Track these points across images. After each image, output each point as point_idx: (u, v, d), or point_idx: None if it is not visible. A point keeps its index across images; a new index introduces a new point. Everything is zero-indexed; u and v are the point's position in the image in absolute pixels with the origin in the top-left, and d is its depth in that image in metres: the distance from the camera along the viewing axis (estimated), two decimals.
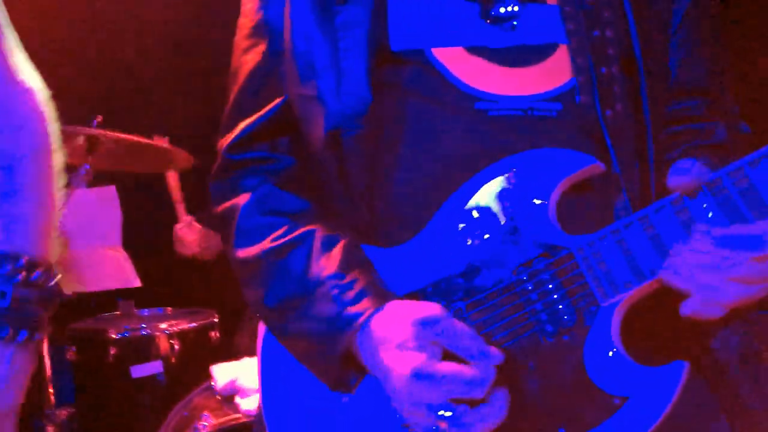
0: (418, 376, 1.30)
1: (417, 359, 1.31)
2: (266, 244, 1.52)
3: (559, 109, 1.46)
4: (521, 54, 1.48)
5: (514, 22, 1.50)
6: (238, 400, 3.05)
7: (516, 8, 1.50)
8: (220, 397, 3.11)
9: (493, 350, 1.32)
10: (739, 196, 1.24)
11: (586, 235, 1.36)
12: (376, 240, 1.51)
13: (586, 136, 1.45)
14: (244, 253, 1.55)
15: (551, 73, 1.47)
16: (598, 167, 1.40)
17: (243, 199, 1.58)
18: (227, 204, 1.60)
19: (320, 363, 1.46)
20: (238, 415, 3.01)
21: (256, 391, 2.99)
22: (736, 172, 1.24)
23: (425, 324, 1.33)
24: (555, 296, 1.36)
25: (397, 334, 1.34)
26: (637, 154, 1.49)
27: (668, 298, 1.35)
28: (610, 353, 1.32)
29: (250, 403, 3.01)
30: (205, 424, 3.02)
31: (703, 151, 1.52)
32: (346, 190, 1.50)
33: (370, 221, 1.51)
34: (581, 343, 1.34)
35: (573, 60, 1.47)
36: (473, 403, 1.30)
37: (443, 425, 1.30)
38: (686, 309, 1.26)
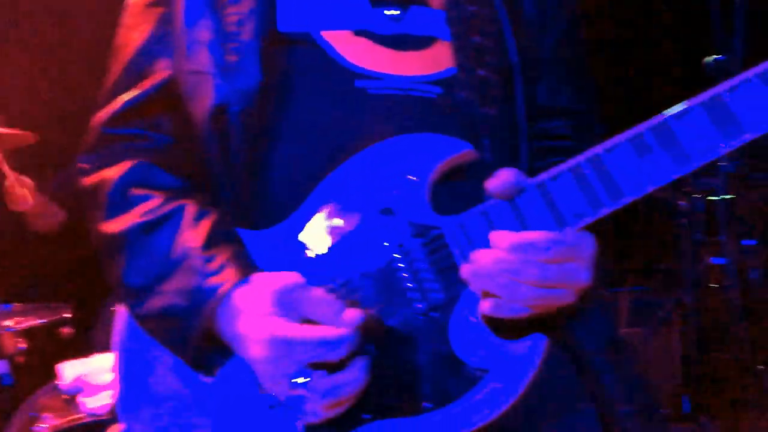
0: (275, 341, 1.32)
1: (273, 324, 1.33)
2: (134, 218, 1.50)
3: (440, 93, 1.52)
4: (406, 41, 1.54)
5: (401, 15, 1.55)
6: (82, 398, 2.94)
7: (403, 8, 1.55)
8: (66, 397, 2.99)
9: (350, 311, 1.35)
10: (545, 207, 1.35)
11: (456, 216, 1.42)
12: (253, 221, 1.52)
13: (463, 127, 1.51)
14: (110, 227, 1.52)
15: (433, 59, 1.53)
16: (471, 153, 1.46)
17: (115, 172, 1.55)
18: (96, 177, 1.57)
19: (180, 340, 1.44)
20: (80, 415, 2.90)
21: (105, 389, 2.91)
22: (542, 186, 1.36)
23: (284, 291, 1.36)
24: (426, 275, 1.41)
25: (256, 303, 1.36)
26: (511, 155, 1.57)
27: None
28: (473, 320, 1.38)
29: (95, 402, 2.91)
30: (45, 425, 2.90)
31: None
32: (226, 170, 1.50)
33: (248, 202, 1.51)
34: (448, 318, 1.40)
35: (454, 55, 1.53)
36: (333, 371, 1.33)
37: (301, 393, 1.32)
38: (484, 307, 1.34)
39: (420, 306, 1.41)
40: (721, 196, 2.72)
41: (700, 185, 4.22)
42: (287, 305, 1.35)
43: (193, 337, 1.41)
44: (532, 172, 1.56)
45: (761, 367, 2.88)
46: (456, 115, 1.52)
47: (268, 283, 1.38)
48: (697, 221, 4.24)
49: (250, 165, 1.50)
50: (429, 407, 1.38)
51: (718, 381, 3.93)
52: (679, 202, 4.69)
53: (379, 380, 1.39)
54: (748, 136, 1.29)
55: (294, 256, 1.48)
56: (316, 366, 1.32)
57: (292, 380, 1.32)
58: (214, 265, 1.41)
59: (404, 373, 1.40)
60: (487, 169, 1.52)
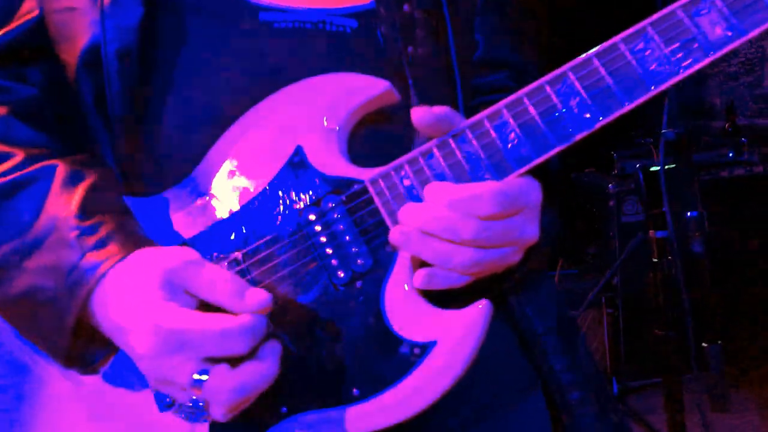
0: (162, 333, 1.06)
1: (160, 312, 1.08)
2: None
3: (354, 27, 1.29)
4: None
5: None
6: None
7: None
8: None
9: (256, 291, 1.10)
10: (484, 152, 1.15)
11: (381, 168, 1.20)
12: (141, 185, 1.26)
13: (384, 66, 1.29)
14: None
15: None
16: (392, 93, 1.24)
17: None
18: None
19: (49, 330, 1.16)
20: None
21: None
22: (478, 125, 1.16)
23: (173, 270, 1.10)
24: (347, 237, 1.18)
25: (138, 286, 1.10)
26: (443, 99, 1.36)
27: None
28: (406, 288, 1.15)
29: None
30: None
31: None
32: (105, 123, 1.24)
33: (134, 163, 1.26)
34: (378, 287, 1.17)
35: None
36: (236, 363, 1.08)
37: (198, 394, 1.07)
38: (417, 280, 1.13)
39: (342, 275, 1.18)
40: (664, 166, 2.59)
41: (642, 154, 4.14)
42: (177, 287, 1.10)
43: (66, 327, 1.14)
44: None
45: (705, 345, 2.75)
46: (374, 53, 1.30)
47: (153, 260, 1.12)
48: (632, 197, 4.14)
49: (133, 118, 1.24)
50: (358, 394, 1.14)
51: (651, 359, 3.82)
52: (609, 185, 4.60)
53: (296, 367, 1.16)
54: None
55: (190, 225, 1.23)
56: (216, 360, 1.07)
57: (186, 379, 1.06)
58: (91, 238, 1.14)
59: (327, 357, 1.17)
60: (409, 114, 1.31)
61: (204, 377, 1.06)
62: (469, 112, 1.34)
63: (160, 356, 1.06)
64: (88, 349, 1.18)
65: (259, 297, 1.09)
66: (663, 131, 2.58)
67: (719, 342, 2.74)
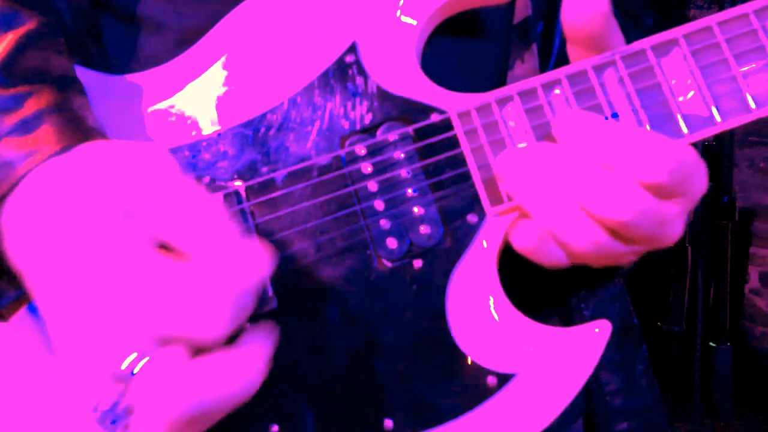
0: (104, 278, 0.63)
1: (111, 244, 0.64)
2: None
3: None
4: None
5: None
6: None
7: None
8: None
9: (258, 243, 0.66)
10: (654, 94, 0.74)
11: (474, 95, 0.79)
12: (102, 53, 0.83)
13: None
14: None
15: None
16: None
17: None
18: None
19: None
20: None
21: None
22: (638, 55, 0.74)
23: (140, 180, 0.65)
24: (410, 190, 0.78)
25: (80, 197, 0.65)
26: (547, 8, 0.95)
27: None
28: (491, 300, 0.76)
29: None
30: None
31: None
32: None
33: (94, 18, 0.82)
34: (444, 274, 0.77)
35: None
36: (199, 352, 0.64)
37: (124, 393, 0.64)
38: (517, 235, 0.75)
39: (394, 246, 0.78)
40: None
41: None
42: (139, 208, 0.65)
43: None
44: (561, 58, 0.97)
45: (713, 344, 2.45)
46: None
47: (106, 160, 0.67)
48: None
49: None
50: (391, 429, 0.76)
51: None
52: None
53: (300, 375, 0.77)
54: None
55: (171, 128, 0.81)
56: (167, 341, 0.64)
57: (113, 365, 0.64)
58: (11, 116, 0.70)
59: (347, 365, 0.78)
60: (505, 27, 0.90)
61: (138, 365, 0.63)
62: (562, 45, 0.96)
63: (91, 315, 0.64)
64: None
65: (260, 252, 0.65)
66: None
67: (729, 344, 2.45)
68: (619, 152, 0.69)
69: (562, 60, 0.93)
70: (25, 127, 0.69)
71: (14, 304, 0.80)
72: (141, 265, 0.63)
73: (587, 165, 0.69)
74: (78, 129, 0.71)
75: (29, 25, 0.74)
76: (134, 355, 0.62)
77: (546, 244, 0.73)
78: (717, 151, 2.46)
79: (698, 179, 0.72)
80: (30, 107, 0.70)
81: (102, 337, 0.63)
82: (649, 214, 0.70)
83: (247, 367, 0.65)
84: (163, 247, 0.65)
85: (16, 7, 0.76)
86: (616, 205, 0.69)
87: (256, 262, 0.65)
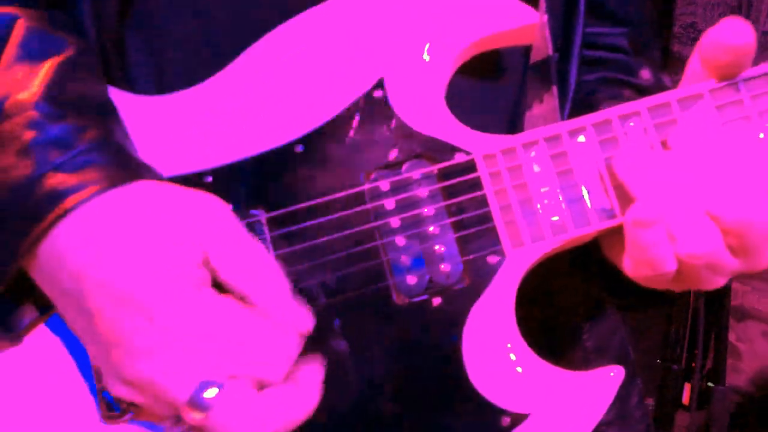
0: (189, 315, 0.67)
1: (189, 285, 0.68)
2: None
3: None
4: None
5: None
6: None
7: None
8: None
9: (302, 307, 0.72)
10: None
11: (500, 136, 0.80)
12: (127, 74, 0.84)
13: None
14: None
15: None
16: (534, 32, 0.84)
17: None
18: None
19: None
20: None
21: None
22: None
23: (202, 228, 0.70)
24: (432, 228, 0.79)
25: (152, 239, 0.69)
26: (562, 40, 0.97)
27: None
28: (508, 341, 0.77)
29: None
30: None
31: (623, 87, 1.05)
32: None
33: (122, 38, 0.84)
34: (463, 314, 0.78)
35: None
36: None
37: (197, 418, 0.67)
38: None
39: (413, 282, 0.79)
40: None
41: None
42: (199, 255, 0.69)
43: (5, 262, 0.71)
44: (577, 91, 0.98)
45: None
46: None
47: (166, 203, 0.71)
48: None
49: None
50: None
51: None
52: None
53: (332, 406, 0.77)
54: None
55: (196, 153, 0.82)
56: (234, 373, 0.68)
57: (186, 392, 0.67)
58: (60, 149, 0.70)
59: (358, 400, 0.78)
60: (521, 64, 0.92)
61: (212, 392, 0.67)
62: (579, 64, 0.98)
63: (171, 355, 0.67)
64: (16, 309, 0.78)
65: (303, 318, 0.71)
66: None
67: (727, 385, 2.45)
68: (758, 158, 0.72)
69: (579, 100, 0.95)
70: (74, 161, 0.70)
71: (32, 324, 0.82)
72: (217, 305, 0.68)
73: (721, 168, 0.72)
74: (126, 165, 0.72)
75: (68, 51, 0.75)
76: (213, 387, 0.67)
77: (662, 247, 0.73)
78: None
79: None
80: (79, 141, 0.71)
81: (176, 369, 0.67)
82: None
83: (306, 396, 0.72)
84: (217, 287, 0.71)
85: (52, 32, 0.77)
86: (745, 205, 0.71)
87: (303, 325, 0.72)
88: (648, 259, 0.73)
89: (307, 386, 0.71)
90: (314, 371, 0.73)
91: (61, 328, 0.79)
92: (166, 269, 0.68)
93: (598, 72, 1.05)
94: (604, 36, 1.06)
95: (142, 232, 0.68)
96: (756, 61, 0.75)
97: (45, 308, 0.79)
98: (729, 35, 0.72)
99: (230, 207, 0.74)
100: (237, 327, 0.68)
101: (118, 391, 0.71)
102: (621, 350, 1.10)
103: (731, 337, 3.95)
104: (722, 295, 2.48)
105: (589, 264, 0.86)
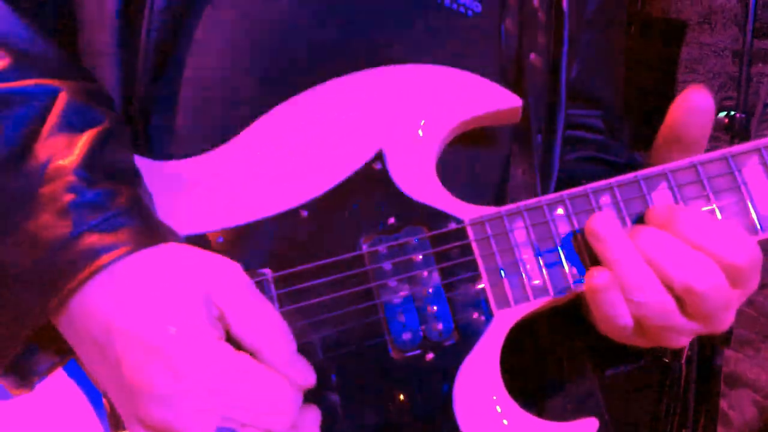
0: (204, 365, 0.74)
1: (204, 337, 0.75)
2: None
3: (478, 11, 0.98)
4: None
5: None
6: None
7: None
8: None
9: (306, 365, 0.81)
10: (733, 195, 0.85)
11: (487, 207, 0.89)
12: (149, 141, 0.91)
13: (496, 67, 0.99)
14: None
15: None
16: (517, 114, 0.93)
17: None
18: None
19: (8, 316, 0.78)
20: None
21: None
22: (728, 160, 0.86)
23: (218, 287, 0.78)
24: (427, 290, 0.87)
25: (173, 297, 0.76)
26: (548, 130, 1.07)
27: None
28: (494, 397, 0.85)
29: None
30: None
31: (599, 164, 1.17)
32: (126, 48, 0.88)
33: (145, 108, 0.90)
34: (454, 368, 0.86)
35: None
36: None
37: None
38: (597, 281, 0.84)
39: (408, 338, 0.86)
40: None
41: None
42: (214, 311, 0.77)
43: (29, 323, 0.77)
44: (561, 164, 1.08)
45: None
46: (490, 49, 1.00)
47: (190, 265, 0.78)
48: None
49: (170, 45, 0.89)
50: None
51: None
52: None
53: None
54: None
55: (209, 214, 0.88)
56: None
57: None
58: (96, 212, 0.77)
59: None
60: (509, 140, 1.01)
61: None
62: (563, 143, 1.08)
63: (186, 401, 0.73)
64: (35, 356, 0.82)
65: (307, 374, 0.80)
66: None
67: None
68: (712, 234, 0.81)
69: (564, 175, 1.05)
70: (108, 223, 0.76)
71: (45, 373, 0.86)
72: (232, 359, 0.75)
73: (679, 241, 0.81)
74: (154, 228, 0.80)
75: (104, 123, 0.82)
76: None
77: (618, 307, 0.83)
78: None
79: (758, 276, 0.84)
80: (112, 205, 0.78)
81: (194, 415, 0.74)
82: (721, 291, 0.81)
83: None
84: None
85: (89, 104, 0.83)
86: (697, 275, 0.80)
87: (305, 382, 0.80)
88: (605, 317, 0.83)
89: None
90: (314, 419, 0.81)
91: (76, 374, 0.83)
92: (187, 323, 0.75)
93: (578, 152, 1.16)
94: (582, 117, 1.18)
95: (166, 289, 0.76)
96: (755, 135, 0.87)
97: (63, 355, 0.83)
98: (695, 98, 0.84)
99: (241, 267, 0.80)
100: (250, 379, 0.75)
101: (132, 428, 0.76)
102: (596, 413, 1.19)
103: (723, 404, 4.07)
104: (715, 376, 2.56)
105: (574, 324, 0.95)
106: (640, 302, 0.82)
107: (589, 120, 1.20)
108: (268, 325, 0.78)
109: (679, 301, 0.83)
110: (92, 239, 0.75)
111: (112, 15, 0.87)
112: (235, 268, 0.80)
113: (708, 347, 2.50)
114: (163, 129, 0.91)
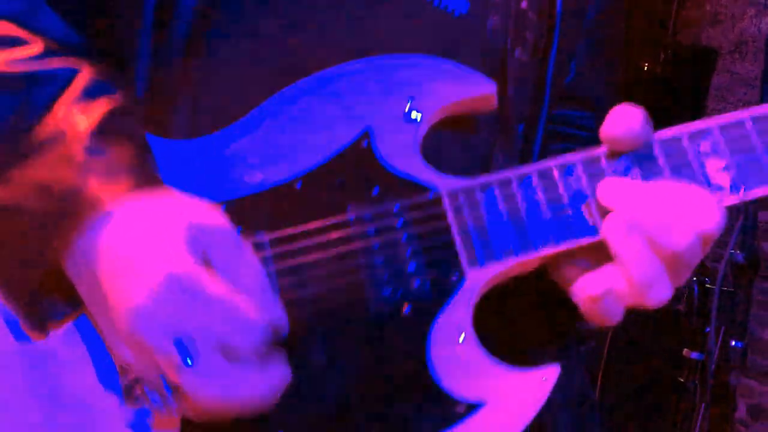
0: (177, 282, 0.84)
1: (180, 260, 0.85)
2: None
3: (464, 11, 1.09)
4: None
5: None
6: None
7: None
8: None
9: (280, 307, 0.89)
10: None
11: (462, 178, 0.99)
12: (162, 123, 1.03)
13: (483, 63, 1.10)
14: None
15: None
16: (493, 100, 1.03)
17: None
18: None
19: (17, 265, 0.92)
20: None
21: None
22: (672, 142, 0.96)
23: (203, 228, 0.88)
24: (405, 251, 0.97)
25: (155, 229, 0.87)
26: (530, 121, 1.17)
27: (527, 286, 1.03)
28: (461, 338, 0.94)
29: None
30: None
31: None
32: (155, 37, 1.02)
33: (163, 93, 1.03)
34: (428, 321, 0.95)
35: None
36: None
37: (179, 378, 0.83)
38: (593, 287, 0.94)
39: (388, 293, 0.96)
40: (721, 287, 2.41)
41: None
42: (199, 249, 0.87)
43: (43, 260, 0.89)
44: (543, 154, 1.17)
45: None
46: (477, 46, 1.10)
47: (179, 207, 0.89)
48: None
49: (193, 44, 1.02)
50: None
51: None
52: None
53: (301, 396, 0.93)
54: None
55: (215, 185, 1.00)
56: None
57: (186, 344, 0.83)
58: (102, 162, 0.90)
59: (340, 391, 0.95)
60: (494, 125, 1.11)
61: (190, 349, 0.83)
62: (545, 137, 1.16)
63: (158, 312, 0.83)
64: (49, 301, 0.93)
65: (280, 316, 0.88)
66: (730, 251, 2.40)
67: None
68: (686, 203, 0.92)
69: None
70: (112, 170, 0.89)
71: (62, 320, 0.97)
72: (213, 283, 0.85)
73: (664, 211, 0.92)
74: (151, 180, 0.92)
75: (116, 96, 0.95)
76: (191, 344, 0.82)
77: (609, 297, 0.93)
78: (735, 298, 2.62)
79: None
80: (117, 159, 0.90)
81: (161, 325, 0.83)
82: (695, 250, 0.91)
83: (270, 381, 0.86)
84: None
85: (104, 80, 0.97)
86: (678, 239, 0.91)
87: (277, 323, 0.88)
88: (600, 320, 0.95)
89: (273, 374, 0.86)
90: (282, 366, 0.88)
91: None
92: (166, 244, 0.85)
93: (565, 144, 1.26)
94: (577, 118, 1.27)
95: (155, 219, 0.87)
96: None
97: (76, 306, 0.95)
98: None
99: (227, 220, 0.90)
100: (218, 296, 0.84)
101: (119, 351, 0.87)
102: (580, 389, 1.26)
103: None
104: (723, 389, 2.58)
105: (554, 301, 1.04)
106: (631, 266, 0.91)
107: (582, 120, 1.29)
108: (242, 265, 0.88)
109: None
110: (100, 185, 0.87)
111: (150, 12, 1.01)
112: (219, 215, 0.90)
113: (723, 368, 2.53)
114: (182, 111, 1.04)
